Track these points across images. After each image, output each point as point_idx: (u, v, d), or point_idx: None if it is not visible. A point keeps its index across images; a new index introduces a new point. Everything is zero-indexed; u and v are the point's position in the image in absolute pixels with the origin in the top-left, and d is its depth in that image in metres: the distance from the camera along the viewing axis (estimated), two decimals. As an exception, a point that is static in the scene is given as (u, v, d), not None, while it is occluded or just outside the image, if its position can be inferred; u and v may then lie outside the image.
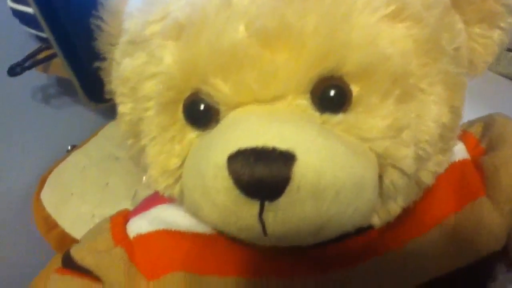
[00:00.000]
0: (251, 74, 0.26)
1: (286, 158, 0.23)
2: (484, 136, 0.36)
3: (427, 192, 0.32)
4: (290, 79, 0.26)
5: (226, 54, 0.26)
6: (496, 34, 0.31)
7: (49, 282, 0.39)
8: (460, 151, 0.35)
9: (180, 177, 0.31)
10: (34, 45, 0.61)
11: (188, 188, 0.28)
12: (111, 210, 0.61)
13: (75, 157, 0.70)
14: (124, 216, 0.42)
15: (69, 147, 0.72)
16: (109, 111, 0.77)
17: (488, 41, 0.31)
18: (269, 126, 0.25)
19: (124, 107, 0.33)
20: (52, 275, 0.40)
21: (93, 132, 0.75)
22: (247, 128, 0.25)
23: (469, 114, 0.35)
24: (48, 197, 0.65)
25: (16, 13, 0.58)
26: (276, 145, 0.24)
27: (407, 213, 0.32)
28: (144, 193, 0.63)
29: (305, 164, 0.24)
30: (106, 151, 0.70)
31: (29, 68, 0.58)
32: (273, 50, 0.26)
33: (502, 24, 0.31)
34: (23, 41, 0.64)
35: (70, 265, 0.39)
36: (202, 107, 0.29)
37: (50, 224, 0.62)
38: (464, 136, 0.36)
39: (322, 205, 0.24)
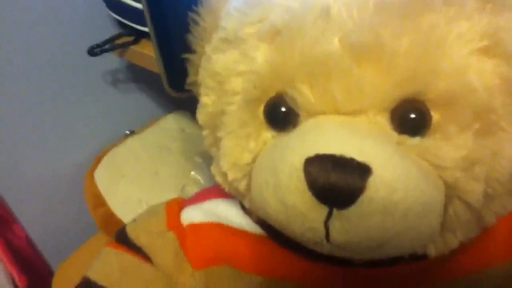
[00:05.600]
0: (338, 85, 0.27)
1: (363, 170, 0.24)
2: None
3: (486, 232, 0.32)
4: (374, 96, 0.27)
5: (317, 63, 0.27)
6: None
7: (101, 253, 0.41)
8: None
9: (248, 173, 0.32)
10: (115, 30, 0.65)
11: (259, 184, 0.29)
12: (158, 198, 0.63)
13: (131, 142, 0.73)
14: (179, 204, 0.44)
15: (127, 132, 0.75)
16: (170, 103, 0.80)
17: None
18: (349, 137, 0.26)
19: (207, 99, 0.34)
20: (105, 248, 0.42)
21: (152, 121, 0.77)
22: (328, 135, 0.26)
23: None
24: (101, 176, 0.68)
25: (105, -1, 0.61)
26: (354, 156, 0.24)
27: (463, 249, 0.32)
28: (191, 189, 0.65)
29: (380, 179, 0.24)
30: (161, 141, 0.73)
31: (107, 51, 0.61)
32: (363, 65, 0.27)
33: None
34: (106, 24, 0.68)
35: (124, 241, 0.41)
36: (283, 109, 0.30)
37: (99, 202, 0.65)
38: None
39: (389, 221, 0.25)
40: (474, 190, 0.27)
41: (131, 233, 0.41)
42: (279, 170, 0.27)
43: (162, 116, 0.78)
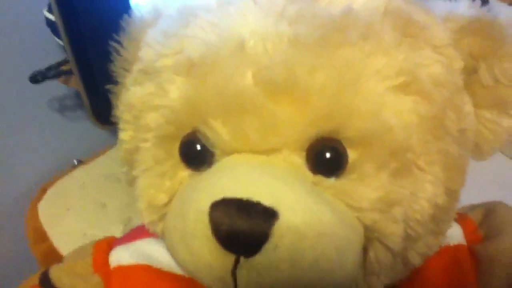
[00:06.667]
0: (251, 122, 0.25)
1: (268, 215, 0.23)
2: (483, 223, 0.35)
3: (416, 272, 0.31)
4: (288, 134, 0.26)
5: (230, 98, 0.26)
6: (506, 122, 0.31)
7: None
8: (457, 236, 0.35)
9: (165, 215, 0.30)
10: (60, 57, 0.62)
11: (168, 229, 0.28)
12: (103, 232, 0.60)
13: (79, 173, 0.70)
14: (109, 243, 0.41)
15: (75, 161, 0.72)
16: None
17: (497, 127, 0.31)
18: (258, 179, 0.25)
19: (125, 134, 0.33)
20: (27, 292, 0.39)
21: (101, 151, 0.75)
22: (236, 177, 0.25)
23: (477, 195, 0.36)
24: (45, 208, 0.65)
25: (50, 23, 0.59)
26: (261, 200, 0.23)
27: None
28: (138, 221, 0.63)
29: (287, 224, 0.23)
30: (110, 171, 0.70)
31: (50, 77, 0.59)
32: (276, 102, 0.25)
33: None
34: (51, 51, 0.65)
35: (46, 284, 0.38)
36: (198, 147, 0.28)
37: (40, 236, 0.61)
38: (463, 221, 0.35)
39: (298, 270, 0.23)
40: (394, 232, 0.26)
41: (54, 275, 0.39)
42: (185, 214, 0.25)
43: (113, 144, 0.75)
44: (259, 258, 0.23)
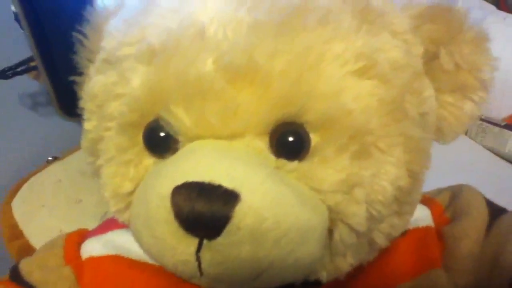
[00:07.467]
0: (212, 108, 0.26)
1: (229, 197, 0.23)
2: (450, 206, 0.36)
3: (384, 254, 0.31)
4: (250, 118, 0.26)
5: (191, 84, 0.26)
6: (468, 106, 0.31)
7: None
8: (425, 218, 0.35)
9: (131, 203, 0.30)
10: (31, 52, 0.61)
11: (133, 216, 0.28)
12: (79, 228, 0.60)
13: (53, 169, 0.69)
14: (81, 235, 0.41)
15: (50, 158, 0.72)
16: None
17: (459, 111, 0.31)
18: (220, 162, 0.25)
19: (89, 124, 0.32)
20: (-3, 287, 0.38)
21: (76, 147, 0.73)
22: (198, 161, 0.25)
23: (441, 180, 0.37)
24: (19, 205, 0.64)
25: (18, 18, 0.59)
26: (223, 183, 0.23)
27: (361, 272, 0.31)
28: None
29: (248, 206, 0.23)
30: (85, 167, 0.69)
31: (20, 73, 0.58)
32: (237, 87, 0.25)
33: (474, 97, 0.31)
34: (21, 46, 0.64)
35: (16, 278, 0.38)
36: (161, 134, 0.28)
37: (15, 234, 0.61)
38: (431, 203, 0.36)
39: (260, 250, 0.24)
40: (356, 213, 0.26)
41: (24, 268, 0.38)
42: (148, 200, 0.25)
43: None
44: (222, 240, 0.23)
